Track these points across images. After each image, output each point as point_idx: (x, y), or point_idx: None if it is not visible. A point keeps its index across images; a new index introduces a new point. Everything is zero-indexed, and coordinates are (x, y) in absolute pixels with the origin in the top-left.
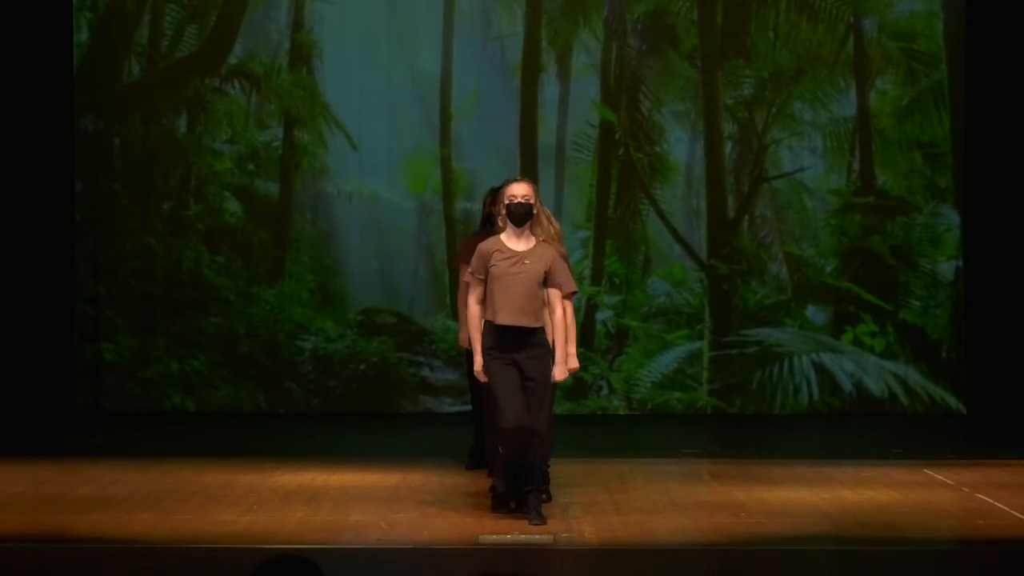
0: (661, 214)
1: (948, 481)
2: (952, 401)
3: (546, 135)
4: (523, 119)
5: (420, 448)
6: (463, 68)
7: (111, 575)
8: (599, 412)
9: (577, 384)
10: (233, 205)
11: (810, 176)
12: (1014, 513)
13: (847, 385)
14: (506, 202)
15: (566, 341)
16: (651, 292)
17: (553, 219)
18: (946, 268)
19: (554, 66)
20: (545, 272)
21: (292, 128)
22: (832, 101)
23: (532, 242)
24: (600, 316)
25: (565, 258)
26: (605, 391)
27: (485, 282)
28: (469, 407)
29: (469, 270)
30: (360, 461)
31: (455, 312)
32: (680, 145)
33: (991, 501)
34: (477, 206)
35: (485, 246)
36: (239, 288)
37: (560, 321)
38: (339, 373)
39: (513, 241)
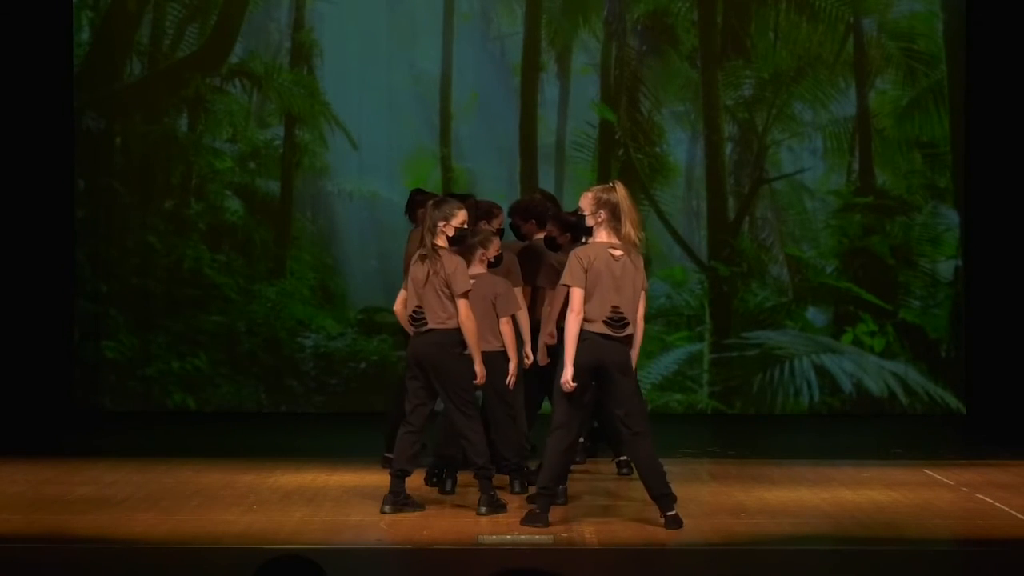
0: (661, 215)
1: (948, 481)
2: (952, 401)
3: (546, 135)
4: (523, 119)
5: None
6: (463, 68)
7: (111, 575)
8: None
9: None
10: (234, 204)
11: (810, 177)
12: (1014, 513)
13: (847, 385)
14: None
15: None
16: (651, 293)
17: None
18: (945, 268)
19: (554, 66)
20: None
21: (293, 127)
22: (832, 101)
23: None
24: None
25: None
26: None
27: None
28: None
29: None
30: (360, 461)
31: None
32: (680, 146)
33: (991, 501)
34: None
35: None
36: (240, 286)
37: None
38: (340, 371)
39: None
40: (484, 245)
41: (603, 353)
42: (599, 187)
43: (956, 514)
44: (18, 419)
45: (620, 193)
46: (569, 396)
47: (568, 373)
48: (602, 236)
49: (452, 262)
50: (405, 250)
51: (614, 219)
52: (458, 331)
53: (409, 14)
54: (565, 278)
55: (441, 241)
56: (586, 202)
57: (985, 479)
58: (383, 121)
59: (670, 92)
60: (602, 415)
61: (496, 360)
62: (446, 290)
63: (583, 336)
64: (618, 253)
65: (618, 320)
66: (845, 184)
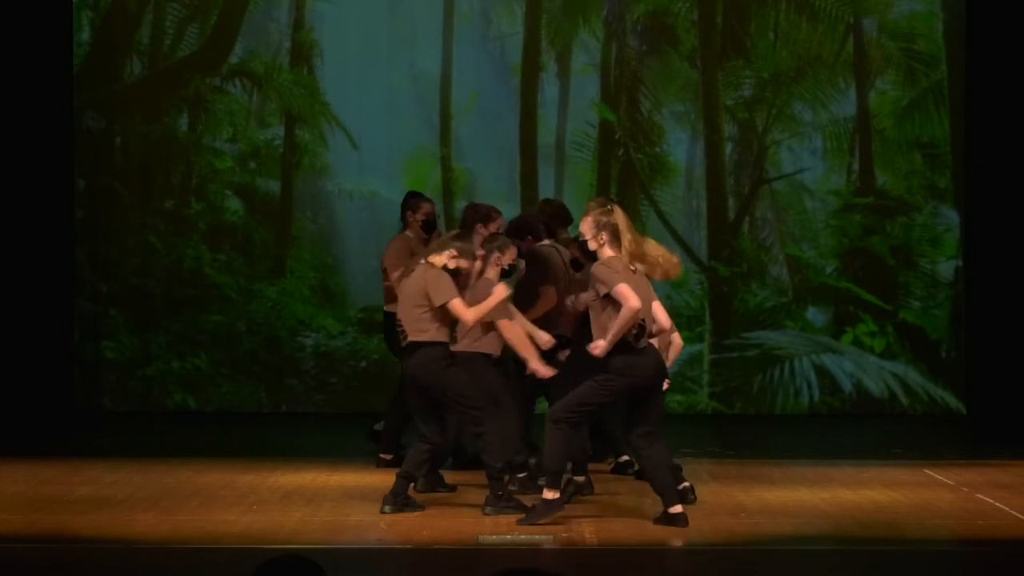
0: (661, 215)
1: (948, 481)
2: (952, 401)
3: (546, 135)
4: (523, 119)
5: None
6: (463, 68)
7: (111, 575)
8: None
9: None
10: (234, 203)
11: (810, 177)
12: (1014, 513)
13: (847, 386)
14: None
15: None
16: None
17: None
18: (946, 268)
19: (554, 66)
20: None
21: (293, 127)
22: (832, 101)
23: None
24: None
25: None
26: None
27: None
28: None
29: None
30: (360, 461)
31: None
32: (680, 146)
33: (991, 501)
34: None
35: None
36: (240, 285)
37: None
38: (340, 370)
39: None
40: (501, 251)
41: (661, 370)
42: (597, 211)
43: (956, 514)
44: (18, 419)
45: (618, 214)
46: (598, 401)
47: (604, 346)
48: (608, 255)
49: (434, 274)
50: (385, 252)
51: (615, 240)
52: (439, 345)
53: (409, 14)
54: (611, 280)
55: (441, 260)
56: (586, 226)
57: (985, 479)
58: (383, 121)
59: (670, 92)
60: (605, 415)
61: (477, 361)
62: (424, 303)
63: (640, 345)
64: (634, 267)
65: (642, 330)
66: (845, 184)
